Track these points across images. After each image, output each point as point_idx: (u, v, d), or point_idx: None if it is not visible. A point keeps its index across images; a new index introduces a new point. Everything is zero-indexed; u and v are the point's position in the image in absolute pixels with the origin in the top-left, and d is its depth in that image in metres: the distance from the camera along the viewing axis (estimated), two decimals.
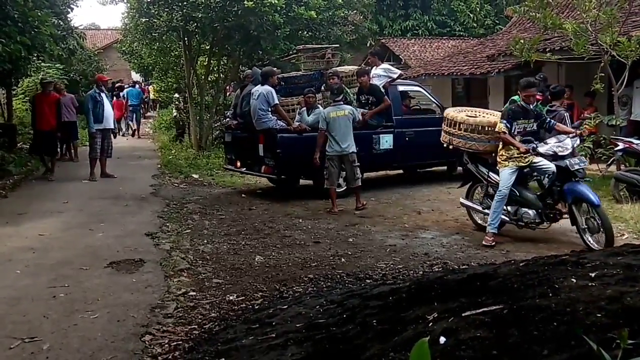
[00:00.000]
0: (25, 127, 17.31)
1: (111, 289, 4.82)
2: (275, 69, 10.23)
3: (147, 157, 14.79)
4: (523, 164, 6.28)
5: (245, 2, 14.40)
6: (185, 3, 15.60)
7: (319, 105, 9.21)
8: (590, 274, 2.46)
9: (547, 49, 10.91)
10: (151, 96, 29.74)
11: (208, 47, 18.23)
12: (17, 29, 9.87)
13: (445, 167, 11.18)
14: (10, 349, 3.63)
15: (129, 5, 19.05)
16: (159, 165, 13.10)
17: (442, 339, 2.09)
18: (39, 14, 10.69)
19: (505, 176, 6.36)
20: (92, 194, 9.55)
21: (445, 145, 7.50)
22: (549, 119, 6.67)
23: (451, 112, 7.54)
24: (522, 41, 10.22)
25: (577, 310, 2.05)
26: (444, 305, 2.57)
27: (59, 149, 13.14)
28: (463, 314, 2.28)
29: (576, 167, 6.14)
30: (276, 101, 9.02)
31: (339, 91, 8.63)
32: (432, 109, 10.89)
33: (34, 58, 13.17)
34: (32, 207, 8.39)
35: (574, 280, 2.41)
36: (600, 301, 2.09)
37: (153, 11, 17.14)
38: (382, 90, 9.65)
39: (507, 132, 6.27)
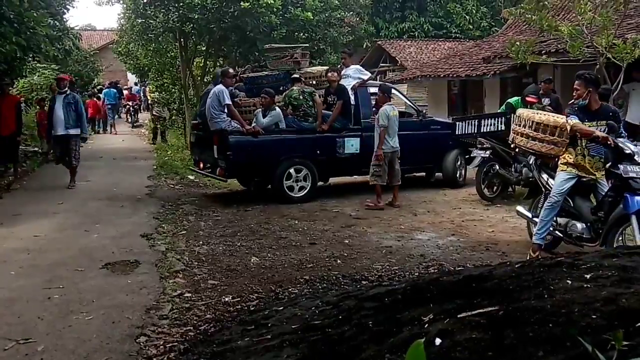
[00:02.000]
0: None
1: (106, 290, 4.81)
2: (231, 69, 10.04)
3: (142, 158, 14.76)
4: (585, 176, 5.48)
5: (242, 3, 14.40)
6: (181, 4, 15.60)
7: (277, 107, 9.06)
8: (586, 276, 2.46)
9: (543, 51, 10.95)
10: (148, 97, 29.77)
11: (204, 48, 18.24)
12: (12, 29, 9.84)
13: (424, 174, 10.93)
14: (4, 350, 3.62)
15: (125, 6, 19.03)
16: (155, 167, 13.08)
17: (438, 341, 2.09)
18: (35, 14, 10.66)
19: (559, 182, 5.59)
20: (87, 195, 9.53)
21: (514, 147, 6.86)
22: (622, 127, 5.51)
23: (526, 112, 6.57)
24: (518, 43, 10.24)
25: (572, 312, 2.06)
26: (440, 306, 2.56)
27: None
28: (459, 316, 2.28)
29: (632, 174, 5.06)
30: (227, 101, 8.76)
31: (390, 91, 8.91)
32: (408, 113, 10.60)
33: (30, 59, 13.14)
34: (27, 208, 8.36)
35: (570, 282, 2.42)
36: (596, 303, 2.09)
37: (149, 12, 17.14)
38: (349, 91, 9.41)
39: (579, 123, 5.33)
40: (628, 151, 5.11)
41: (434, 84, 18.94)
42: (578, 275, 2.50)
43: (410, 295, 3.01)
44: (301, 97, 9.17)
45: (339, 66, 10.41)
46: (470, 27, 28.71)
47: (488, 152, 8.76)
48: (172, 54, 19.53)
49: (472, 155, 9.93)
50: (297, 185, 9.04)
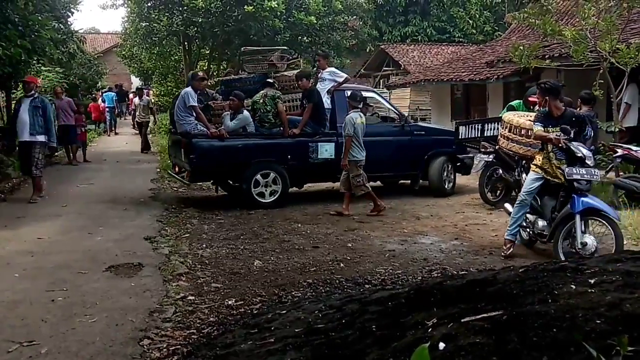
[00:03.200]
0: None
1: (110, 293, 4.81)
2: (200, 72, 9.92)
3: (146, 161, 14.79)
4: (553, 179, 5.81)
5: (246, 7, 14.45)
6: (185, 8, 15.65)
7: (245, 111, 8.91)
8: (590, 281, 2.46)
9: (546, 56, 10.95)
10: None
11: (208, 51, 18.29)
12: (17, 32, 9.89)
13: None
14: (8, 353, 3.62)
15: (129, 9, 19.11)
16: (158, 170, 13.10)
17: (442, 345, 2.09)
18: (40, 17, 10.74)
19: (527, 182, 6.04)
20: (90, 197, 9.55)
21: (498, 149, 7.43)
22: (589, 130, 6.14)
23: (508, 115, 7.40)
24: (521, 48, 10.25)
25: (576, 317, 2.06)
26: (443, 310, 2.56)
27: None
28: (462, 320, 2.28)
29: (575, 176, 5.56)
30: (191, 103, 8.63)
31: (360, 98, 8.50)
32: (391, 118, 10.35)
33: (34, 62, 13.19)
34: (30, 210, 8.39)
35: (574, 287, 2.41)
36: (600, 308, 2.09)
37: (153, 16, 17.21)
38: (318, 94, 9.10)
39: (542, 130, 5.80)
40: (579, 154, 5.58)
41: (437, 88, 18.94)
42: (582, 280, 2.50)
43: (413, 300, 3.01)
44: (261, 101, 8.95)
45: (314, 69, 10.19)
46: (474, 31, 28.73)
47: (491, 156, 8.75)
48: (176, 57, 19.60)
49: (465, 161, 9.96)
50: (267, 190, 8.78)
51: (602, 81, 9.38)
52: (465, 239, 6.92)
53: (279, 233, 7.17)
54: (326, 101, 9.31)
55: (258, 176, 8.73)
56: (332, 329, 3.02)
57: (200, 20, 16.10)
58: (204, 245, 6.52)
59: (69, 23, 15.43)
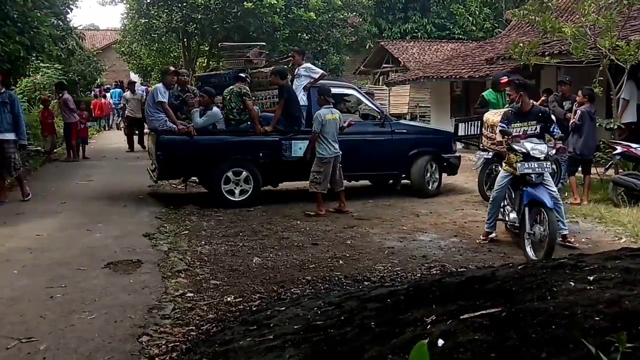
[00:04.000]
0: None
1: (108, 290, 4.81)
2: (172, 67, 9.79)
3: (145, 158, 14.75)
4: (514, 172, 6.18)
5: (245, 4, 14.42)
6: (184, 4, 15.63)
7: (215, 107, 8.77)
8: (589, 278, 2.46)
9: (546, 53, 10.94)
10: None
11: (207, 48, 18.26)
12: (16, 29, 9.88)
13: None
14: (7, 349, 3.62)
15: (128, 6, 19.07)
16: None
17: (441, 342, 2.09)
18: (38, 14, 10.72)
19: (498, 179, 6.54)
20: (89, 194, 9.54)
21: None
22: (555, 127, 6.36)
23: (488, 115, 7.75)
24: (521, 45, 10.24)
25: (575, 314, 2.06)
26: (443, 307, 2.57)
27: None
28: (461, 317, 2.28)
29: (526, 170, 5.96)
30: (160, 99, 8.51)
31: (329, 93, 8.30)
32: (373, 116, 10.01)
33: (33, 58, 13.18)
34: (29, 207, 8.38)
35: (572, 284, 2.42)
36: (599, 304, 2.09)
37: (152, 12, 17.18)
38: (288, 91, 8.83)
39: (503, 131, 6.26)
40: (523, 150, 5.98)
41: (436, 85, 18.94)
42: (581, 277, 2.50)
43: (412, 296, 3.01)
44: (228, 97, 8.78)
45: (289, 65, 9.84)
46: (474, 28, 28.73)
47: (490, 153, 8.74)
48: (175, 54, 19.57)
49: (450, 161, 9.73)
50: (238, 188, 8.61)
51: (601, 78, 9.38)
52: (464, 236, 6.92)
53: (278, 230, 7.17)
54: (302, 98, 9.07)
55: (229, 174, 8.57)
56: (331, 325, 3.02)
57: (199, 17, 16.07)
58: (203, 242, 6.52)
59: (68, 19, 15.40)
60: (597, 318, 1.98)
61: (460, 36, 28.93)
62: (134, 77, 32.91)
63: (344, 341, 2.63)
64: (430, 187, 9.60)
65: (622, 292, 2.18)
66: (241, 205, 8.49)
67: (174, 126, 8.52)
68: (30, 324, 4.04)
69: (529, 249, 5.86)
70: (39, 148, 15.14)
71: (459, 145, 13.04)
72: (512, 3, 25.32)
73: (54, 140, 15.35)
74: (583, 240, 6.68)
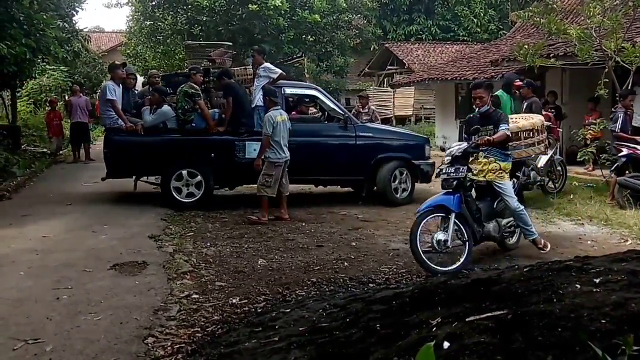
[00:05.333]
0: (29, 129, 17.38)
1: (114, 291, 4.83)
2: (117, 62, 9.77)
3: None
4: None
5: (250, 6, 14.45)
6: (189, 7, 15.69)
7: (166, 105, 8.57)
8: (595, 280, 2.46)
9: (551, 55, 10.92)
10: None
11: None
12: (22, 31, 9.93)
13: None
14: (13, 350, 3.64)
15: (134, 8, 19.14)
16: None
17: (446, 344, 2.09)
18: (44, 16, 10.77)
19: (512, 189, 6.09)
20: (95, 196, 9.57)
21: None
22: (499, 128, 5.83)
23: (522, 122, 7.66)
24: (526, 46, 10.22)
25: (581, 316, 2.05)
26: (448, 310, 2.57)
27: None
28: (467, 319, 2.28)
29: (443, 176, 5.64)
30: (109, 96, 8.44)
31: (276, 94, 7.94)
32: (337, 118, 9.15)
33: (39, 60, 13.24)
34: (35, 208, 8.41)
35: (578, 286, 2.41)
36: (605, 307, 2.09)
37: (158, 14, 17.24)
38: (232, 90, 8.58)
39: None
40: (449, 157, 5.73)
41: (441, 86, 18.92)
42: (587, 280, 2.50)
43: (417, 299, 3.01)
44: (177, 96, 8.61)
45: (250, 65, 9.53)
46: (478, 30, 28.72)
47: None
48: (180, 56, 19.62)
49: (421, 168, 9.09)
50: (187, 189, 8.43)
51: (607, 80, 9.36)
52: None
53: (283, 232, 7.17)
54: (260, 98, 8.61)
55: (181, 173, 8.38)
56: (336, 327, 3.02)
57: (204, 19, 16.12)
58: (208, 244, 6.53)
59: (73, 22, 15.47)
60: (603, 321, 1.98)
61: (465, 38, 28.92)
62: (140, 79, 33.03)
63: (349, 343, 2.63)
64: (398, 195, 8.97)
65: (628, 295, 2.18)
66: (193, 206, 8.30)
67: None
68: (36, 325, 4.06)
69: (427, 261, 5.34)
70: (45, 150, 15.21)
71: None
72: (517, 5, 25.29)
73: (60, 142, 15.42)
74: (589, 242, 6.65)
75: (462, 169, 5.58)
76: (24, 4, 9.99)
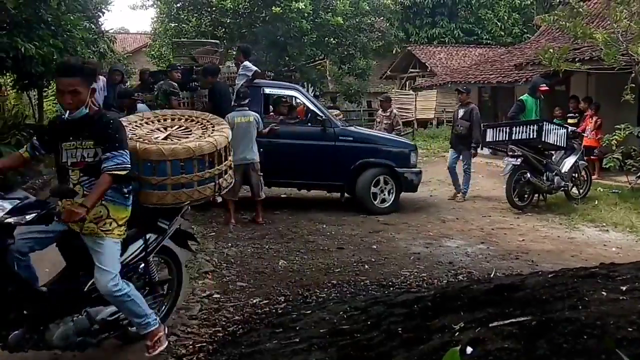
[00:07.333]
0: None
1: None
2: (94, 61, 9.90)
3: None
4: None
5: (273, 8, 14.51)
6: (214, 9, 15.80)
7: (139, 105, 8.31)
8: (621, 288, 2.43)
9: (577, 59, 10.78)
10: None
11: (235, 52, 18.40)
12: (50, 32, 10.09)
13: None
14: None
15: (158, 10, 19.33)
16: None
17: (469, 349, 2.08)
18: (72, 17, 10.92)
19: None
20: None
21: None
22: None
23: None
24: (551, 50, 10.10)
25: (607, 324, 2.03)
26: (471, 315, 2.55)
27: None
28: (490, 325, 2.27)
29: None
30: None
31: (245, 95, 7.73)
32: (317, 120, 8.78)
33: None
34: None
35: (604, 294, 2.38)
36: (632, 315, 2.06)
37: (182, 16, 17.39)
38: (217, 92, 8.38)
39: None
40: None
41: None
42: (613, 287, 2.47)
43: (439, 303, 3.00)
44: (156, 94, 8.57)
45: (233, 64, 9.32)
46: (502, 33, 28.47)
47: (519, 159, 8.66)
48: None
49: (405, 176, 8.64)
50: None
51: (633, 85, 9.21)
52: (491, 243, 6.86)
53: (304, 233, 7.19)
54: None
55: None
56: (358, 330, 3.02)
57: (228, 21, 16.23)
58: (230, 244, 6.56)
59: (99, 23, 15.66)
60: (630, 329, 1.95)
61: (489, 41, 28.67)
62: None
63: (370, 346, 2.63)
64: (378, 203, 8.56)
65: None
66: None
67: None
68: None
69: None
70: None
71: (486, 151, 12.96)
72: (542, 8, 25.03)
73: None
74: (614, 249, 6.57)
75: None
76: (51, 5, 10.14)
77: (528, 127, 8.71)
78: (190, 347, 3.74)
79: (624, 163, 9.70)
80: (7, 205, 3.08)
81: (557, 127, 8.92)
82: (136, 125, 3.93)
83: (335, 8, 17.57)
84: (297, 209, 8.71)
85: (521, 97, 9.38)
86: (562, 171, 8.89)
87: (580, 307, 2.27)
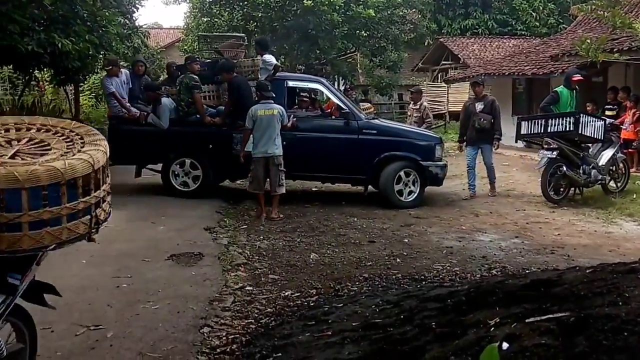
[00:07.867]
0: (91, 122, 17.96)
1: (171, 281, 4.94)
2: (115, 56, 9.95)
3: None
4: None
5: (304, 2, 14.49)
6: (245, 3, 15.86)
7: (163, 98, 8.69)
8: None
9: (615, 49, 10.50)
10: None
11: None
12: (86, 28, 10.28)
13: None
14: (76, 336, 3.78)
15: (191, 5, 19.49)
16: None
17: (505, 345, 2.05)
18: (107, 13, 11.11)
19: None
20: (153, 188, 9.80)
21: None
22: None
23: None
24: (588, 41, 9.86)
25: None
26: (506, 310, 2.52)
27: None
28: (527, 320, 2.23)
29: None
30: (107, 91, 8.91)
31: (267, 88, 7.77)
32: (345, 112, 8.73)
33: (101, 56, 13.66)
34: None
35: None
36: None
37: (214, 11, 17.51)
38: (235, 89, 8.44)
39: None
40: None
41: (497, 82, 18.48)
42: None
43: (473, 298, 2.97)
44: (178, 87, 8.71)
45: (256, 58, 9.29)
46: (537, 24, 27.92)
47: (555, 152, 8.49)
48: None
49: (430, 169, 8.52)
50: (187, 178, 8.62)
51: None
52: (526, 237, 6.75)
53: (335, 227, 7.18)
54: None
55: (183, 162, 8.61)
56: (390, 324, 3.01)
57: (260, 15, 16.29)
58: (262, 237, 6.60)
59: (133, 18, 15.87)
60: None
61: (523, 32, 28.15)
62: None
63: (404, 340, 2.61)
64: (402, 198, 8.47)
65: None
66: (190, 195, 8.50)
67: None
68: (97, 312, 4.20)
69: None
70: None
71: (520, 144, 12.75)
72: None
73: None
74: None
75: None
76: (87, 2, 10.34)
77: (564, 119, 8.53)
78: (224, 338, 3.78)
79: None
80: None
81: (594, 119, 8.72)
82: None
83: (367, 0, 17.48)
84: (328, 202, 8.71)
85: (556, 89, 9.19)
86: (600, 164, 8.68)
87: (620, 303, 2.21)
